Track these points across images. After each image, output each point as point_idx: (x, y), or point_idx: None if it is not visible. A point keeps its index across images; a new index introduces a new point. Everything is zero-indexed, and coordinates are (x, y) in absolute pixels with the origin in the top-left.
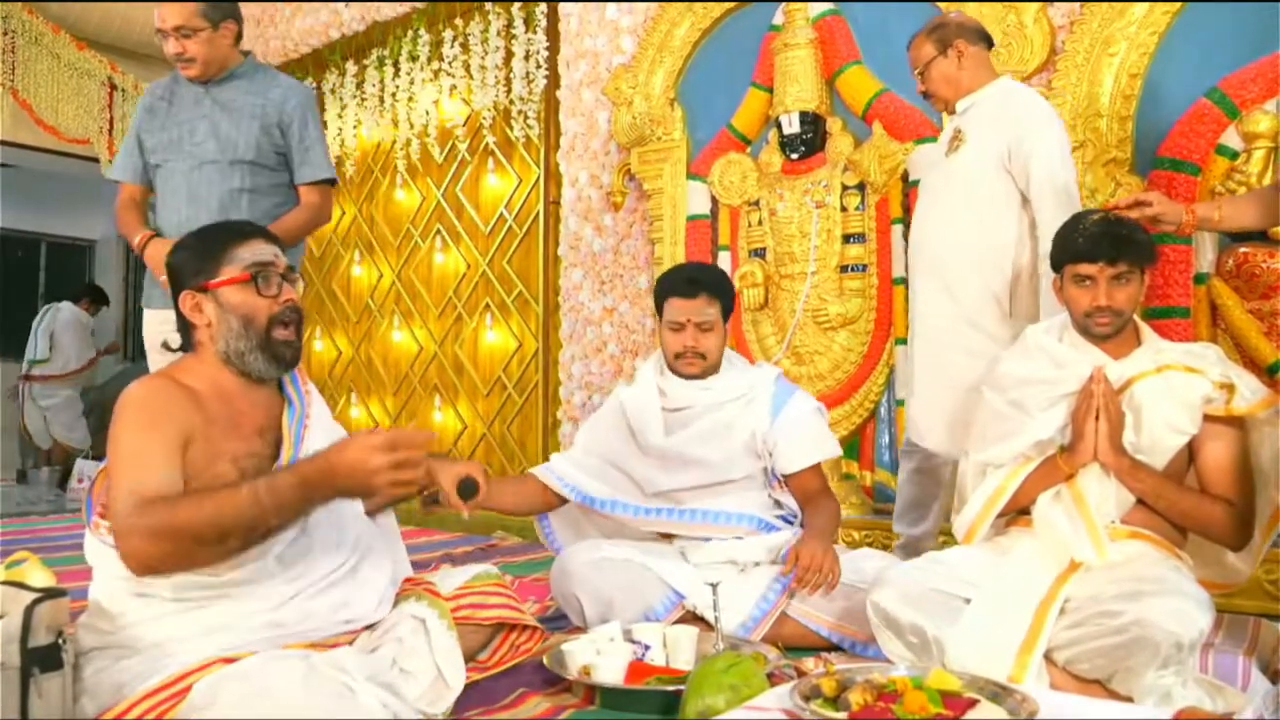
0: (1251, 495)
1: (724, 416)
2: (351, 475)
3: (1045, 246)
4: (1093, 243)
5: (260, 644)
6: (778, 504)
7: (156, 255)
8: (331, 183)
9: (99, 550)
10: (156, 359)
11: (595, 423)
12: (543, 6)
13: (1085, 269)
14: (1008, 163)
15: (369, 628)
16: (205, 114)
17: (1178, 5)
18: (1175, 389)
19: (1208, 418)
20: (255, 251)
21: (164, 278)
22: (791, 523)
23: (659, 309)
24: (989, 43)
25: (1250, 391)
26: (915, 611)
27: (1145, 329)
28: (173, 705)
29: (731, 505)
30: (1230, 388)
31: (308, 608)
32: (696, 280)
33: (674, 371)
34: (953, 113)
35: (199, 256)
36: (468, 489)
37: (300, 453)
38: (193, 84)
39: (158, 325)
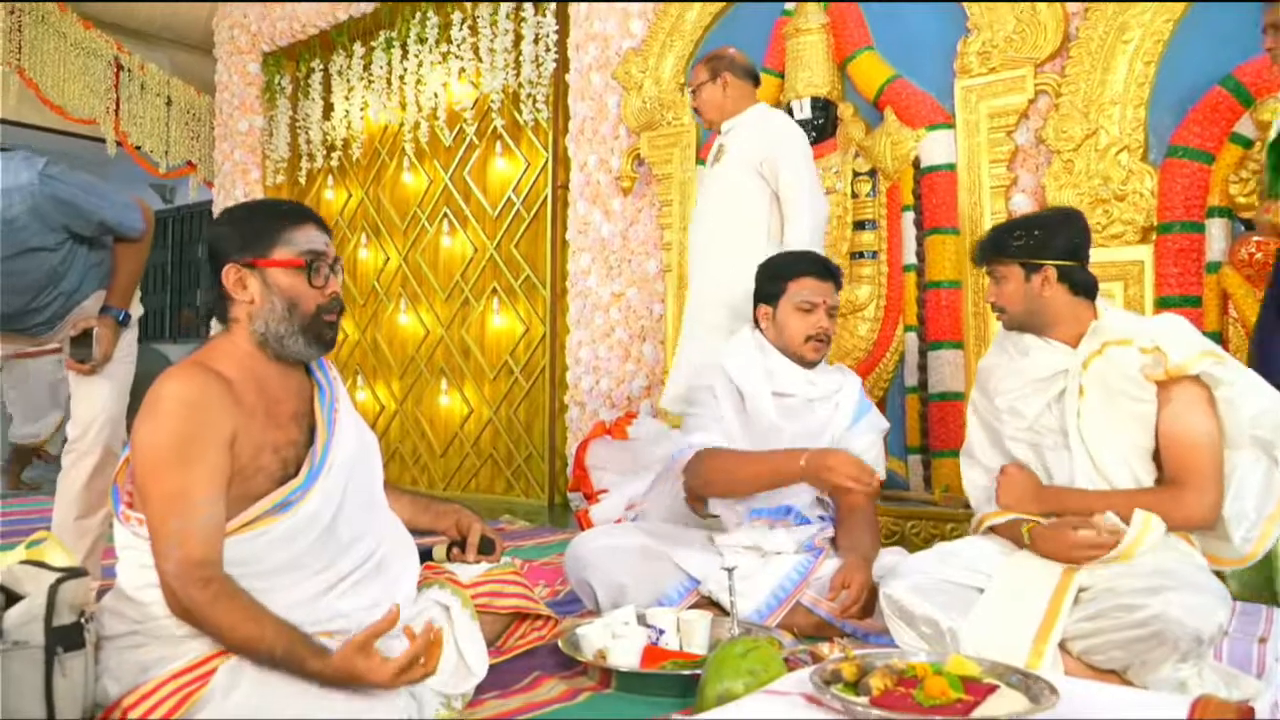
0: (1207, 465)
1: (821, 414)
2: (362, 682)
3: (792, 234)
4: (975, 247)
5: None
6: (822, 503)
7: None
8: None
9: (129, 540)
10: None
11: (714, 400)
12: None
13: (987, 272)
14: (761, 168)
15: None
16: None
17: None
18: (1115, 362)
19: (1159, 385)
20: (309, 238)
21: None
22: (827, 520)
23: (773, 291)
24: (755, 79)
25: (1179, 352)
26: (928, 603)
27: (1105, 311)
28: (197, 688)
29: (790, 499)
30: (1157, 350)
31: (337, 607)
32: (830, 266)
33: (792, 356)
34: (719, 131)
35: (250, 232)
36: (487, 547)
37: (334, 437)
38: None
39: None
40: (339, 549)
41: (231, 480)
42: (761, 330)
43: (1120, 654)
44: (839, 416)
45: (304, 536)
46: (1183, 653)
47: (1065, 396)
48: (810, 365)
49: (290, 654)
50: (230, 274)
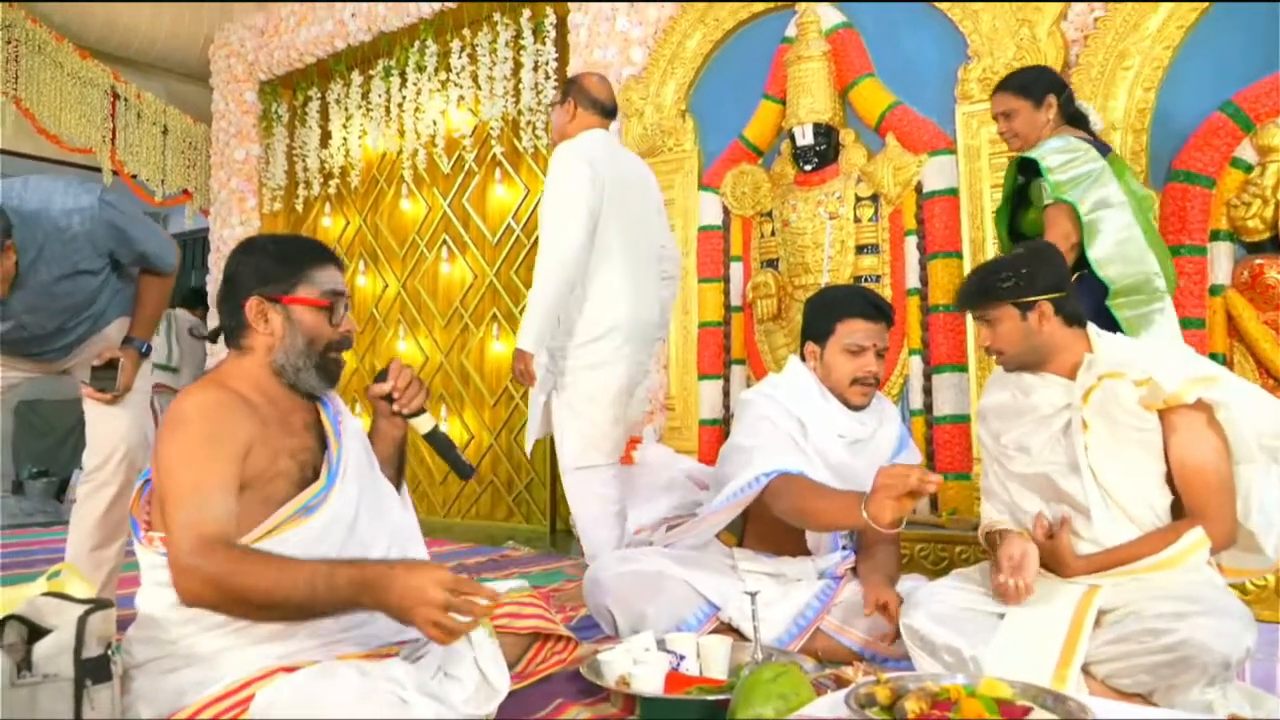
0: (1221, 491)
1: (869, 451)
2: (405, 595)
3: (539, 263)
4: (959, 291)
5: (316, 650)
6: (848, 533)
7: None
8: None
9: (153, 561)
10: None
11: (773, 428)
12: (552, 18)
13: (976, 318)
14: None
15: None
16: None
17: (1193, 18)
18: (1113, 394)
19: (1160, 413)
20: (332, 278)
21: None
22: (849, 550)
23: (821, 329)
24: (603, 112)
25: (1170, 382)
26: (949, 631)
27: (1098, 341)
28: (238, 713)
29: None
30: (1150, 382)
31: (360, 614)
32: (881, 306)
33: (838, 397)
34: None
35: (277, 267)
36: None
37: (344, 443)
38: None
39: None
40: (362, 550)
41: (253, 484)
42: (810, 368)
43: (1147, 678)
44: (879, 447)
45: (331, 537)
46: (1210, 677)
47: (1071, 430)
48: (856, 409)
49: (329, 578)
50: (253, 306)
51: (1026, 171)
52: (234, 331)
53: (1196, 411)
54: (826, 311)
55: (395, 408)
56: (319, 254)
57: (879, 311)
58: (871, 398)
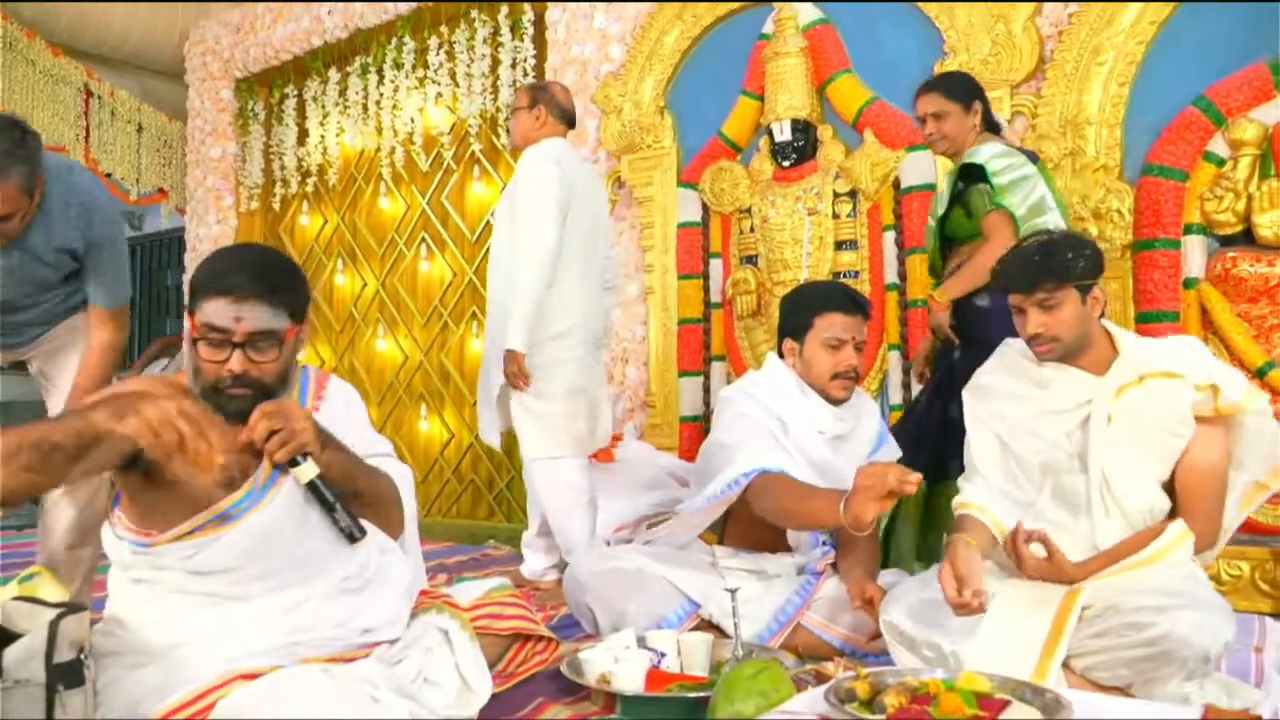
0: (1218, 497)
1: (847, 448)
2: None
3: (518, 266)
4: (1012, 271)
5: (277, 654)
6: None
7: None
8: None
9: (110, 541)
10: None
11: (752, 425)
12: (530, 14)
13: (1014, 300)
14: (512, 199)
15: (390, 642)
16: None
17: (1166, 13)
18: (1159, 396)
19: (1197, 419)
20: (215, 311)
21: None
22: (829, 546)
23: (799, 325)
24: (568, 122)
25: (1233, 388)
26: (929, 627)
27: (1121, 336)
28: None
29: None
30: (1213, 388)
31: (320, 613)
32: (858, 299)
33: (819, 393)
34: None
35: (193, 287)
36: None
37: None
38: None
39: None
40: (315, 566)
41: (174, 482)
42: (790, 365)
43: (1126, 672)
44: (858, 444)
45: (256, 549)
46: (1189, 671)
47: (1089, 424)
48: (837, 403)
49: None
50: (187, 321)
51: (965, 178)
52: (154, 336)
53: (1222, 423)
54: (804, 307)
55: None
56: (213, 282)
57: (856, 304)
58: (852, 392)
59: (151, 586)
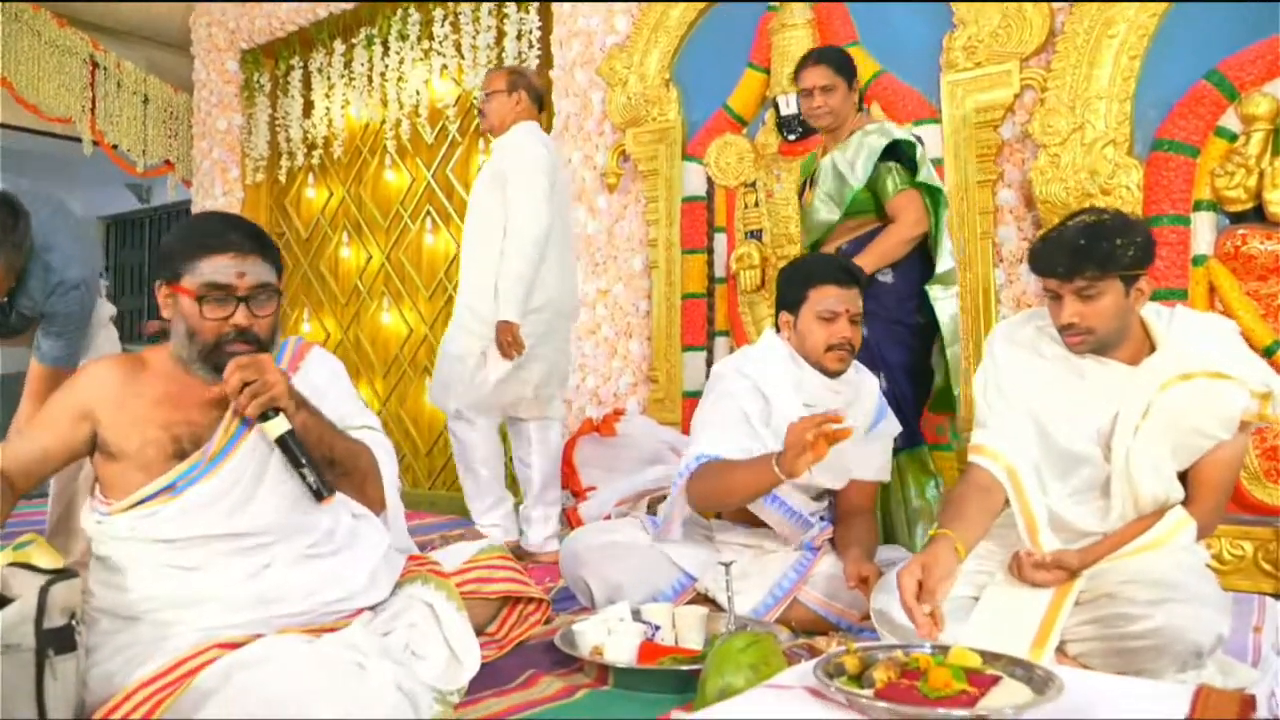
0: (1226, 491)
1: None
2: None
3: (512, 244)
4: (1052, 253)
5: (253, 624)
6: (822, 502)
7: None
8: None
9: (84, 513)
10: None
11: (733, 407)
12: None
13: (1049, 284)
14: (502, 178)
15: (371, 609)
16: None
17: None
18: (1207, 396)
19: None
20: (216, 269)
21: None
22: (826, 521)
23: (794, 298)
24: (541, 107)
25: None
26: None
27: (1156, 323)
28: (169, 694)
29: (799, 504)
30: (1266, 396)
31: (288, 580)
32: (852, 271)
33: (815, 365)
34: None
35: (174, 252)
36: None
37: (242, 428)
38: None
39: None
40: (275, 531)
41: (122, 453)
42: (785, 338)
43: (1119, 661)
44: (858, 417)
45: (206, 516)
46: (1182, 664)
47: (1121, 415)
48: (834, 375)
49: None
50: (159, 289)
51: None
52: (158, 311)
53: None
54: (798, 280)
55: (234, 410)
56: (210, 241)
57: (850, 276)
58: (849, 364)
59: (113, 556)
